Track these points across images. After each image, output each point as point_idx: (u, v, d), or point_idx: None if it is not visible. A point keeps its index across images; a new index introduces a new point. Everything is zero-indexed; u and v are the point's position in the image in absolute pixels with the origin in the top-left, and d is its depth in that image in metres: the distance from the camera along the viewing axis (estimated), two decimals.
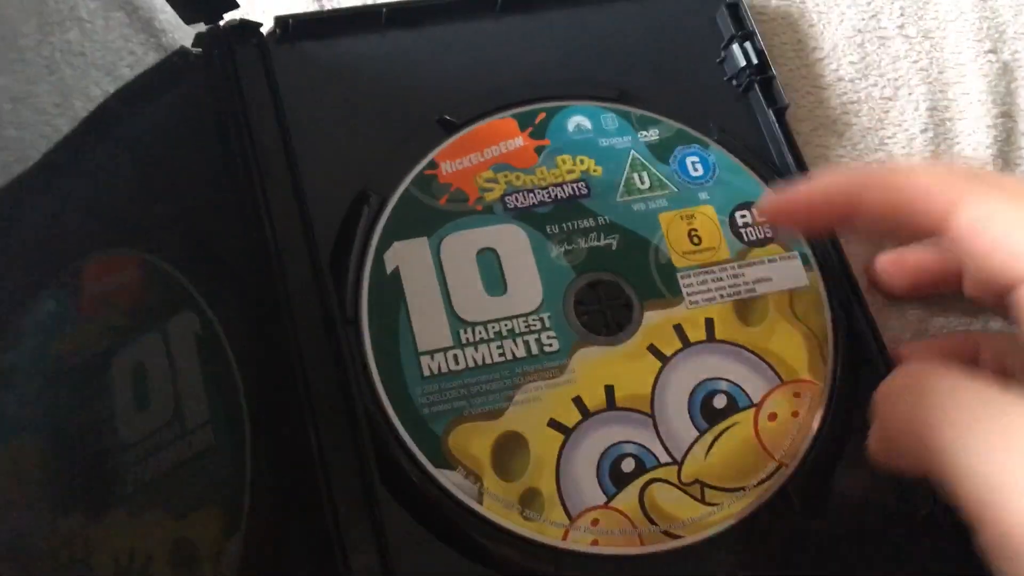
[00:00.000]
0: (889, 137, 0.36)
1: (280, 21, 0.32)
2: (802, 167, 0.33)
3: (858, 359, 0.30)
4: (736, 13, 0.35)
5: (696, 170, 0.32)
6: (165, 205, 0.31)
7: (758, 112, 0.34)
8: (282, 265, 0.29)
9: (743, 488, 0.28)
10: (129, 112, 0.32)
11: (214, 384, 0.28)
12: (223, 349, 0.28)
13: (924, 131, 0.36)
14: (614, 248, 0.31)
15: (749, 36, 0.34)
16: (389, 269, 0.29)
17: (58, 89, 0.33)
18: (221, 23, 0.31)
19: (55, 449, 0.29)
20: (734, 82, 0.34)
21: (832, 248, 0.32)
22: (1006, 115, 0.37)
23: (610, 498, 0.28)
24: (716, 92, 0.34)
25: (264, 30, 0.32)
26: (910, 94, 0.37)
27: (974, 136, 0.36)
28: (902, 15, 0.38)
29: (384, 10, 0.33)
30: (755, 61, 0.34)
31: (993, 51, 0.38)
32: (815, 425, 0.29)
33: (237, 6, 0.31)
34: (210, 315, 0.29)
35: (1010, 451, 0.20)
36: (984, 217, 0.23)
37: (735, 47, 0.34)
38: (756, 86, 0.34)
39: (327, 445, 0.27)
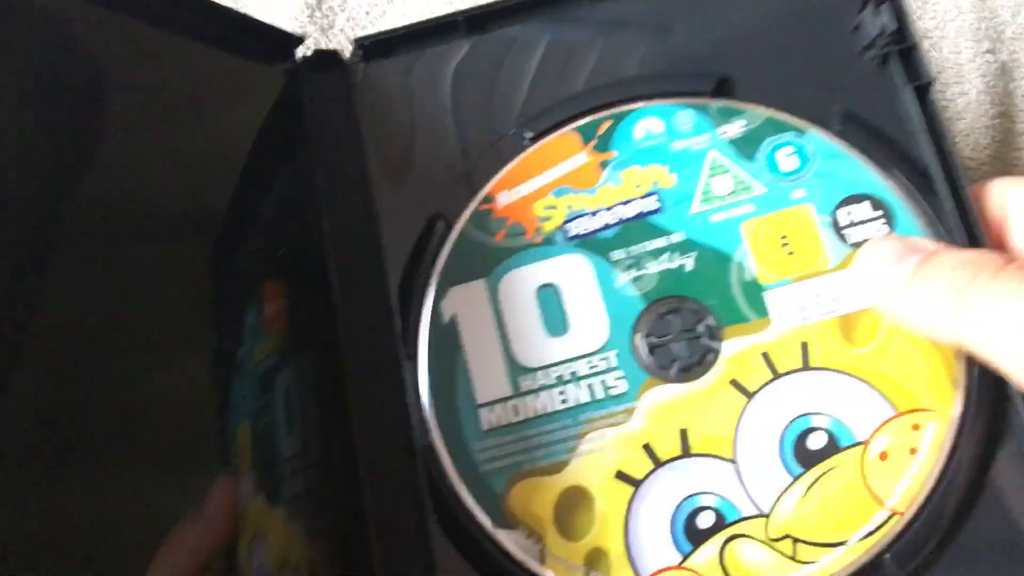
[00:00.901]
0: None
1: (360, 43, 0.31)
2: (946, 158, 0.27)
3: (1000, 380, 0.25)
4: None
5: (789, 163, 0.28)
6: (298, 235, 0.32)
7: (894, 89, 0.28)
8: (345, 298, 0.29)
9: (844, 543, 0.24)
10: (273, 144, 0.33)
11: (324, 423, 0.29)
12: (329, 386, 0.29)
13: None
14: (689, 269, 0.27)
15: None
16: (446, 318, 0.28)
17: None
18: (298, 58, 0.31)
19: (255, 438, 0.31)
20: (866, 55, 0.29)
21: (969, 239, 0.26)
22: (1004, 115, 0.36)
23: (685, 557, 0.25)
24: (846, 67, 0.29)
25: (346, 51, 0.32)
26: None
27: (972, 136, 0.35)
28: None
29: (463, 18, 0.31)
30: (894, 26, 0.28)
31: (991, 51, 0.37)
32: (941, 463, 0.25)
33: (301, 42, 0.31)
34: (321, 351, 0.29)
35: None
36: None
37: (868, 11, 0.28)
38: (894, 57, 0.28)
39: (384, 497, 0.27)
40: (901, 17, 0.28)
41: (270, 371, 0.29)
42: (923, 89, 0.28)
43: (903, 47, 0.28)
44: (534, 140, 0.30)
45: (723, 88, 0.29)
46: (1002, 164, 0.35)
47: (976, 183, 0.26)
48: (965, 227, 0.26)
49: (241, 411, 0.28)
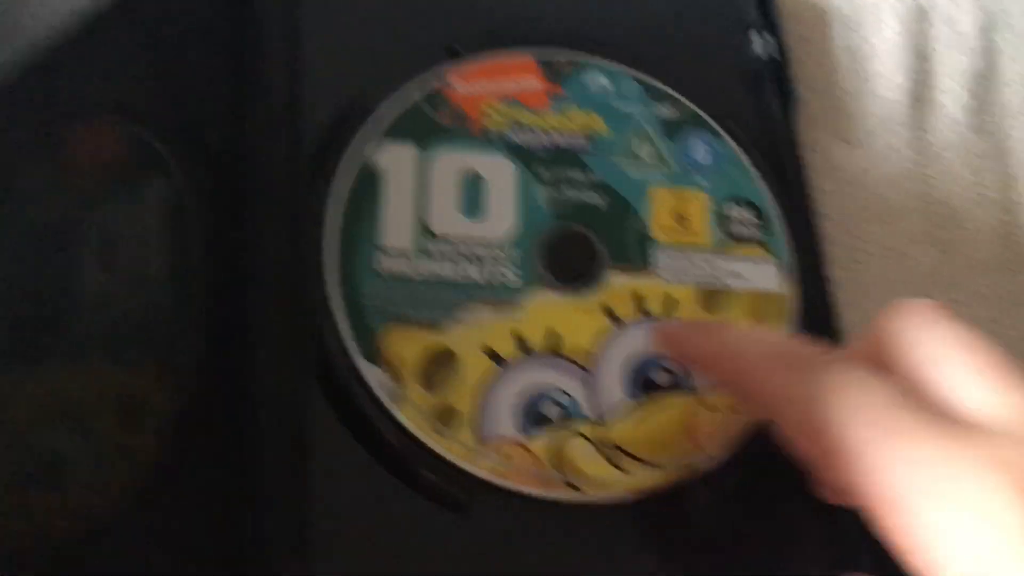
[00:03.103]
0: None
1: None
2: (797, 168, 0.33)
3: None
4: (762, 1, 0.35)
5: (700, 155, 0.32)
6: (163, 82, 0.31)
7: (770, 103, 0.34)
8: (264, 143, 0.29)
9: (659, 465, 0.28)
10: None
11: (178, 253, 0.29)
12: (193, 221, 0.29)
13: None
14: (598, 206, 0.31)
15: (771, 26, 0.34)
16: (375, 166, 0.29)
17: None
18: None
19: (7, 304, 0.29)
20: (751, 70, 0.34)
21: (814, 263, 0.32)
22: (921, 57, 0.38)
23: (524, 436, 0.27)
24: (734, 78, 0.34)
25: None
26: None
27: (885, 78, 0.38)
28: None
29: None
30: (772, 54, 0.34)
31: None
32: (750, 426, 0.29)
33: None
34: (185, 187, 0.29)
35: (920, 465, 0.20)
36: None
37: (754, 34, 0.34)
38: (771, 76, 0.34)
39: (267, 320, 0.27)
40: (778, 45, 0.35)
41: (72, 218, 0.28)
42: (788, 105, 0.34)
43: (778, 69, 0.34)
44: (473, 55, 0.32)
45: (644, 65, 0.33)
46: (918, 103, 0.37)
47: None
48: (809, 228, 0.32)
49: None
